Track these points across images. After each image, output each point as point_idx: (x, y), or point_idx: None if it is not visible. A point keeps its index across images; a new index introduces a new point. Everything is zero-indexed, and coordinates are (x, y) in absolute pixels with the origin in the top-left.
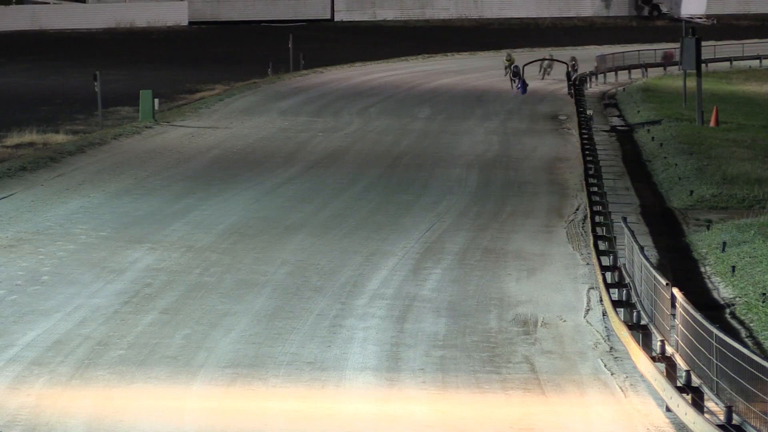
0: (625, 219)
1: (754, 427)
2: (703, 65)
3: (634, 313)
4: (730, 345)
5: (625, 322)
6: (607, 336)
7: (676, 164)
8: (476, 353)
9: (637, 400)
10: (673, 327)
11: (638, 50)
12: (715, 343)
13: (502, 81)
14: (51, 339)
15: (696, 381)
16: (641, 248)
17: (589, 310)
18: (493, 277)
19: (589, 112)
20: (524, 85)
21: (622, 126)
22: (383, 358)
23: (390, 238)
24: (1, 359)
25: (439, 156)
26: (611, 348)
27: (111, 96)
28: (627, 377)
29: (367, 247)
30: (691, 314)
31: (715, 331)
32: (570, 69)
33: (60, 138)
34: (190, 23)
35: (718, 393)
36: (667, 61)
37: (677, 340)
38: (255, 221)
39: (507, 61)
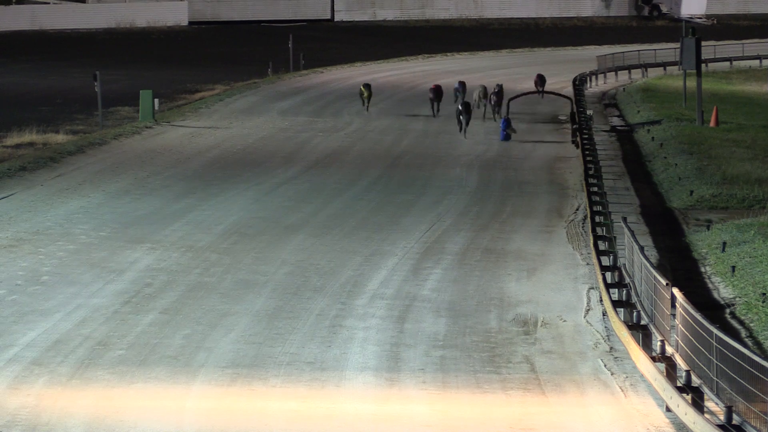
0: (625, 219)
1: (754, 427)
2: (703, 65)
3: (634, 313)
4: (730, 345)
5: (625, 322)
6: (607, 336)
7: (676, 164)
8: (476, 353)
9: (637, 400)
10: (673, 327)
11: (638, 50)
12: (715, 343)
13: (503, 81)
14: (51, 339)
15: (696, 381)
16: (641, 248)
17: (589, 310)
18: (493, 277)
19: (589, 112)
20: (507, 127)
21: (622, 126)
22: (383, 358)
23: (390, 238)
24: (1, 359)
25: (439, 156)
26: (611, 348)
27: (111, 96)
28: (627, 377)
29: (367, 247)
30: (691, 314)
31: (715, 331)
32: (491, 96)
33: (60, 138)
34: (190, 23)
35: (718, 393)
36: (537, 86)
37: (677, 340)
38: (255, 221)
39: (364, 90)
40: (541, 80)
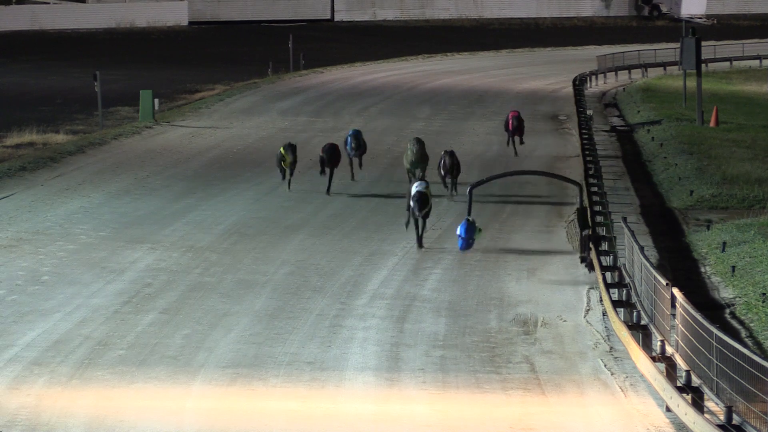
0: (625, 219)
1: (754, 427)
2: (703, 65)
3: (634, 313)
4: (730, 345)
5: (625, 322)
6: (607, 336)
7: (676, 164)
8: (476, 353)
9: (637, 400)
10: (673, 327)
11: (638, 50)
12: (715, 343)
13: (503, 81)
14: (51, 339)
15: (696, 381)
16: (641, 248)
17: (589, 310)
18: (493, 277)
19: (589, 112)
20: (470, 232)
21: (622, 126)
22: (383, 358)
23: (390, 238)
24: (1, 359)
25: (439, 156)
26: (611, 348)
27: (111, 96)
28: (627, 377)
29: (367, 247)
30: (691, 314)
31: (715, 331)
32: (445, 166)
33: (60, 138)
34: (190, 23)
35: (718, 393)
36: (512, 134)
37: (677, 340)
38: (255, 221)
39: (286, 155)
40: (517, 125)
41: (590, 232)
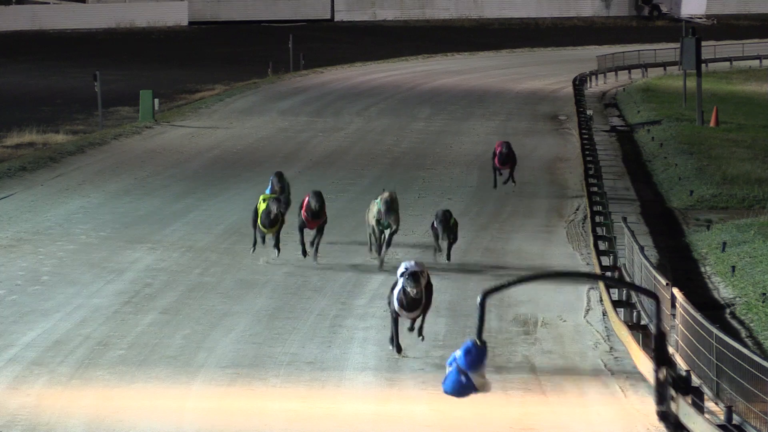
0: (625, 219)
1: (754, 427)
2: (703, 65)
3: (634, 313)
4: (730, 345)
5: (625, 322)
6: (607, 336)
7: (676, 164)
8: None
9: (637, 400)
10: (673, 327)
11: (638, 50)
12: (715, 343)
13: (503, 81)
14: (51, 339)
15: (696, 381)
16: (641, 248)
17: (589, 310)
18: (494, 277)
19: (589, 112)
20: (474, 363)
21: (622, 126)
22: (383, 358)
23: None
24: (1, 359)
25: (440, 156)
26: (611, 348)
27: (111, 96)
28: (627, 377)
29: (367, 247)
30: (691, 314)
31: (715, 331)
32: (438, 230)
33: (60, 138)
34: (190, 23)
35: (718, 393)
36: (498, 165)
37: (677, 340)
38: None
39: (267, 194)
40: (507, 155)
41: (670, 373)
